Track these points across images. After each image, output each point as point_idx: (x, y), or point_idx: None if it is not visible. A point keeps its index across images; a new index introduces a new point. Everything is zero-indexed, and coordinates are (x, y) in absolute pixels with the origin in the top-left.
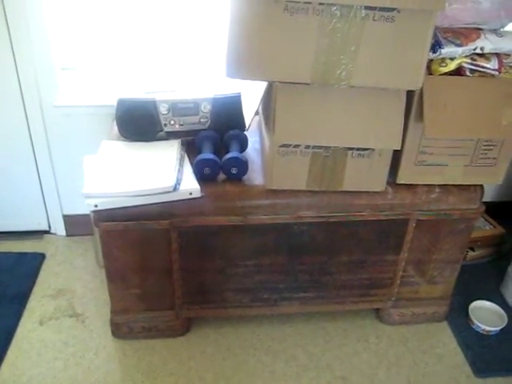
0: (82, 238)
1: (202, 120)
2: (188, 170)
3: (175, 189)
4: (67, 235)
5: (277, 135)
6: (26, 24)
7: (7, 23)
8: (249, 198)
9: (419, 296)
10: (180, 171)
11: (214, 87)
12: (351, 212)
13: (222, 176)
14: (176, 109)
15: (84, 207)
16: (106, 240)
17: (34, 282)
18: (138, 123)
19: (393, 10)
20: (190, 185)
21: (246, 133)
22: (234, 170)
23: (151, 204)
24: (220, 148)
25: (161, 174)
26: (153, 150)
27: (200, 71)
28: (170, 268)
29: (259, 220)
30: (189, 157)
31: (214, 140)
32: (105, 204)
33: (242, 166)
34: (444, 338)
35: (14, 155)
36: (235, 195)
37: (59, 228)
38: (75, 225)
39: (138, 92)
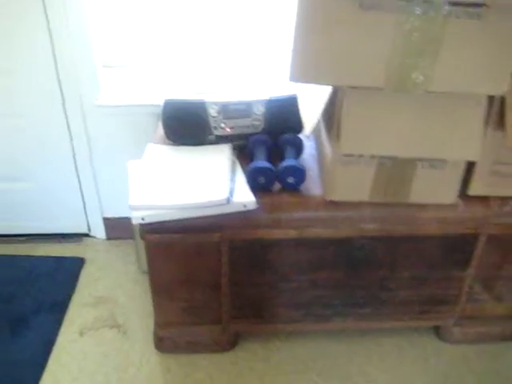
0: (123, 241)
1: (254, 123)
2: (241, 178)
3: (228, 201)
4: (107, 238)
5: (342, 144)
6: (65, 18)
7: (47, 17)
8: (306, 209)
9: (485, 314)
10: (232, 180)
11: (268, 88)
12: (417, 225)
13: (277, 185)
14: (227, 111)
15: (124, 210)
16: (152, 252)
17: (73, 289)
18: (185, 126)
19: (481, 5)
20: (245, 196)
21: (301, 136)
22: (290, 180)
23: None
24: (274, 153)
25: (212, 183)
26: (202, 155)
27: (253, 70)
28: (219, 281)
29: (317, 233)
30: (241, 163)
31: (268, 144)
32: (152, 217)
33: (300, 175)
34: None
35: (53, 156)
36: (292, 206)
37: (99, 231)
38: (116, 228)
39: (186, 92)
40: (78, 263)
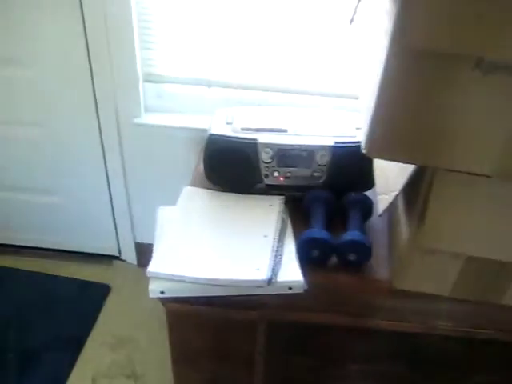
0: None
1: (315, 174)
2: (290, 247)
3: (269, 283)
4: (138, 265)
5: (425, 235)
6: (104, 24)
7: (84, 23)
8: (368, 295)
9: None
10: (279, 251)
11: (336, 125)
12: (508, 330)
13: (333, 258)
14: (283, 157)
15: None
16: (173, 320)
17: (93, 323)
18: (231, 169)
19: None
20: (291, 275)
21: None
22: (351, 257)
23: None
24: (335, 212)
25: (252, 253)
26: (246, 208)
27: (320, 100)
28: (252, 359)
29: (377, 324)
30: (293, 221)
31: (329, 203)
32: (174, 291)
33: (364, 252)
34: None
35: (86, 172)
36: (349, 289)
37: (130, 256)
38: (148, 255)
39: (236, 126)
40: (104, 291)
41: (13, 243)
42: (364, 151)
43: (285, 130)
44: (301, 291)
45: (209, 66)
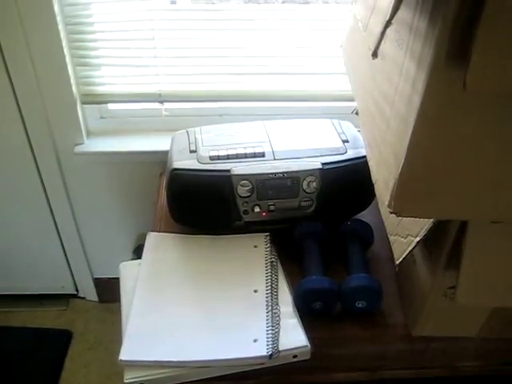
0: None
1: (303, 203)
2: (286, 301)
3: (271, 357)
4: (100, 301)
5: (461, 294)
6: (24, 44)
7: None
8: (382, 344)
9: None
10: (275, 310)
11: (319, 139)
12: None
13: (338, 305)
14: (263, 188)
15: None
16: None
17: (56, 381)
18: (202, 209)
19: None
20: (295, 341)
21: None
22: (360, 304)
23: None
24: (330, 245)
25: (244, 320)
26: (227, 256)
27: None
28: None
29: (394, 374)
30: (283, 262)
31: (323, 237)
32: (157, 381)
33: (374, 298)
34: None
35: (27, 211)
36: (360, 341)
37: (89, 292)
38: (110, 289)
39: (203, 155)
40: (63, 340)
41: None
42: (390, 210)
43: (261, 154)
44: (307, 357)
45: (158, 77)
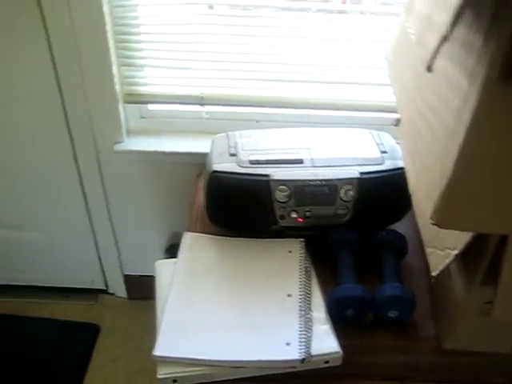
0: (148, 302)
1: (339, 212)
2: (319, 306)
3: (303, 362)
4: (129, 298)
5: (498, 310)
6: (72, 40)
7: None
8: (413, 355)
9: None
10: (307, 315)
11: (358, 149)
12: None
13: (370, 314)
14: (301, 194)
15: (150, 268)
16: None
17: (83, 373)
18: (239, 211)
19: None
20: (327, 347)
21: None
22: (392, 314)
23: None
24: (364, 254)
25: (277, 323)
26: (262, 259)
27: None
28: None
29: None
30: (316, 267)
31: (357, 246)
32: (190, 379)
33: (407, 308)
34: None
35: (64, 206)
36: (391, 351)
37: (119, 289)
38: (139, 287)
39: (242, 158)
40: (91, 334)
41: None
42: (432, 221)
43: (300, 161)
44: (339, 363)
45: (201, 80)
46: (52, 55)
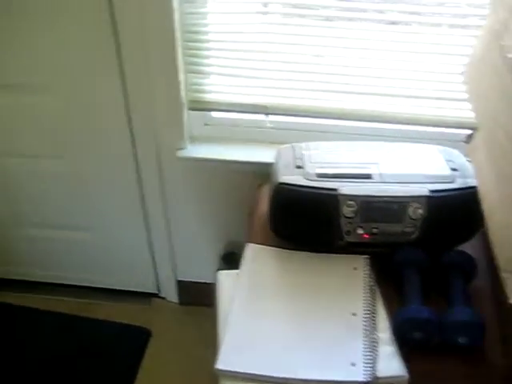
0: (200, 309)
1: (406, 230)
2: (384, 327)
3: (369, 383)
4: (180, 303)
5: None
6: (140, 44)
7: (117, 40)
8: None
9: None
10: (372, 335)
11: (428, 166)
12: None
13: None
14: (368, 210)
15: (202, 275)
16: None
17: (134, 376)
18: (304, 225)
19: None
20: (392, 369)
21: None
22: (461, 340)
23: None
24: (431, 275)
25: (342, 342)
26: (326, 275)
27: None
28: None
29: None
30: (381, 286)
31: (424, 266)
32: None
33: (476, 335)
34: None
35: (122, 208)
36: (458, 377)
37: (170, 293)
38: (191, 293)
39: (309, 171)
40: (143, 338)
41: (41, 280)
42: None
43: (368, 176)
44: None
45: (266, 90)
46: (120, 61)
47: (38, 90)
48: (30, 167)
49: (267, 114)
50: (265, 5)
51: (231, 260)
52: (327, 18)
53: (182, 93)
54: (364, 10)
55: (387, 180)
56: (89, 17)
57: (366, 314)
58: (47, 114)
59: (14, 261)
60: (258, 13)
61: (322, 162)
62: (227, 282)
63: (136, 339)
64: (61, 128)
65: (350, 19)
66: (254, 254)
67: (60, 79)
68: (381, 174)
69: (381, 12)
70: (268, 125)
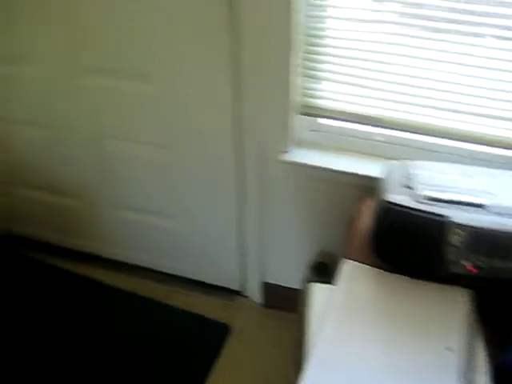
0: (282, 313)
1: None
2: (481, 370)
3: None
4: (263, 305)
5: None
6: (259, 43)
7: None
8: None
9: None
10: (468, 376)
11: None
12: None
13: None
14: (477, 241)
15: (290, 280)
16: None
17: (208, 372)
18: (407, 248)
19: None
20: None
21: None
22: None
23: None
24: None
25: (434, 377)
26: (424, 303)
27: None
28: None
29: None
30: (482, 324)
31: None
32: None
33: None
34: None
35: (214, 200)
36: None
37: (254, 293)
38: (276, 296)
39: (419, 193)
40: (222, 332)
41: (131, 262)
42: None
43: (481, 206)
44: None
45: (380, 101)
46: (235, 58)
47: (152, 80)
48: (134, 152)
49: (378, 126)
50: (382, 13)
51: (321, 270)
52: (449, 31)
53: (293, 96)
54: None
55: (502, 212)
56: (207, 11)
57: (463, 351)
58: (157, 104)
59: (109, 240)
60: (379, 22)
61: (432, 184)
62: (319, 296)
63: (215, 334)
64: (168, 119)
65: (468, 34)
66: (351, 271)
67: (172, 70)
68: (496, 205)
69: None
70: (377, 138)
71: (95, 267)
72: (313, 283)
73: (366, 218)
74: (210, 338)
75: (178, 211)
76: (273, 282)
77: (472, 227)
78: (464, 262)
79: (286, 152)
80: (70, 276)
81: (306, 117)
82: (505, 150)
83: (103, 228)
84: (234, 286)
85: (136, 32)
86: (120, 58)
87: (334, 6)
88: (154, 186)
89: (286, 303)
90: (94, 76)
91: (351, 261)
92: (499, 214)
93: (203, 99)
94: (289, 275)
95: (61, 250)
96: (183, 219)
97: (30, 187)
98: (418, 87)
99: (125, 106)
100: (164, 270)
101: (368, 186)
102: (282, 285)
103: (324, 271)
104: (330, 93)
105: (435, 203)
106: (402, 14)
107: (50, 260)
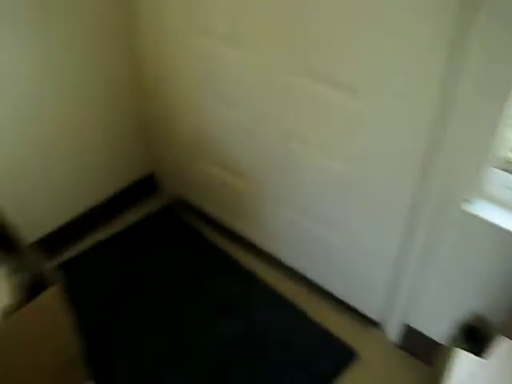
0: (414, 360)
1: None
2: None
3: None
4: (397, 346)
5: None
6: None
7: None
8: None
9: None
10: None
11: None
12: None
13: None
14: None
15: (433, 331)
16: None
17: None
18: None
19: None
20: None
21: None
22: None
23: None
24: None
25: None
26: None
27: None
28: None
29: None
30: None
31: None
32: None
33: None
34: None
35: (379, 224)
36: None
37: (392, 331)
38: (413, 341)
39: None
40: (348, 356)
41: (282, 260)
42: None
43: None
44: None
45: None
46: (445, 96)
47: (358, 96)
48: (317, 160)
49: None
50: None
51: (469, 334)
52: None
53: (496, 148)
54: None
55: None
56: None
57: None
58: (355, 121)
59: (266, 231)
60: None
61: None
62: (464, 366)
63: (340, 354)
64: (360, 137)
65: None
66: (506, 351)
67: (380, 93)
68: None
69: None
70: None
71: (246, 252)
72: (459, 349)
73: None
74: (334, 356)
75: (341, 225)
76: (415, 326)
77: None
78: None
79: (469, 202)
80: (218, 252)
81: (505, 172)
82: None
83: (265, 219)
84: (374, 317)
85: (359, 41)
86: (336, 66)
87: None
88: (327, 196)
89: (422, 352)
90: (304, 78)
91: (510, 341)
92: None
93: (400, 124)
94: (434, 326)
95: (219, 226)
96: (345, 235)
97: (211, 162)
98: None
99: (323, 113)
100: (311, 277)
101: None
102: (424, 333)
103: (472, 336)
104: None
105: None
106: None
107: (206, 231)
